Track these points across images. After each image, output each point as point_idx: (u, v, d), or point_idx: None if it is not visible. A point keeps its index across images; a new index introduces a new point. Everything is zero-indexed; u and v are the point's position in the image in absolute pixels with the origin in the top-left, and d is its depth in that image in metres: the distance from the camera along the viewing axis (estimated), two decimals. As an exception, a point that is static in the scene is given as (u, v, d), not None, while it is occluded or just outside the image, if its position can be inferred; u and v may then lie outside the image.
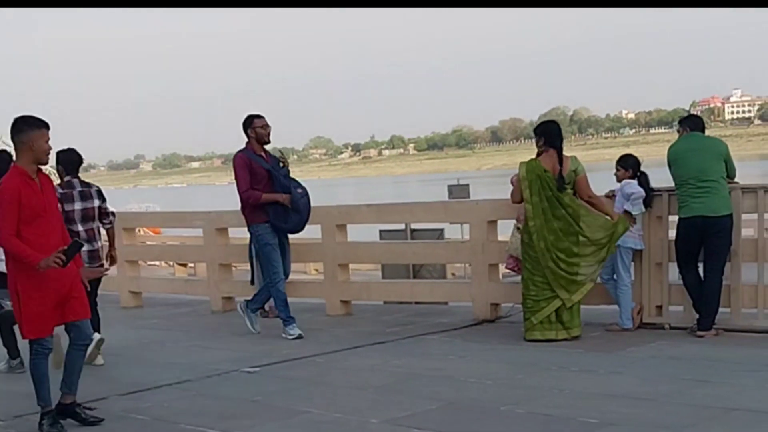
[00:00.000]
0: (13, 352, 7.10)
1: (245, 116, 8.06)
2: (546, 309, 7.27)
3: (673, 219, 7.54)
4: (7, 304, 6.98)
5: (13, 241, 4.95)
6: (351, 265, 9.90)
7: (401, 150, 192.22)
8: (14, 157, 7.33)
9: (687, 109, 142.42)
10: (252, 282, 9.64)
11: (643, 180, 7.56)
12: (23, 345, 7.22)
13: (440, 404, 5.47)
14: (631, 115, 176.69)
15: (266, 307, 9.54)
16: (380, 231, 13.79)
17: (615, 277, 7.60)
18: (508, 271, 8.58)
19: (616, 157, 7.88)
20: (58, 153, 7.40)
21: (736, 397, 5.34)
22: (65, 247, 5.06)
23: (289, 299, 9.61)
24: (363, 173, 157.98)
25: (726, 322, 7.30)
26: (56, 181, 7.37)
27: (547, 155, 7.31)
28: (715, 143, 7.42)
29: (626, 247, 7.49)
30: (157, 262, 21.23)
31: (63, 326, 5.33)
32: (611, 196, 7.71)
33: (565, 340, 7.23)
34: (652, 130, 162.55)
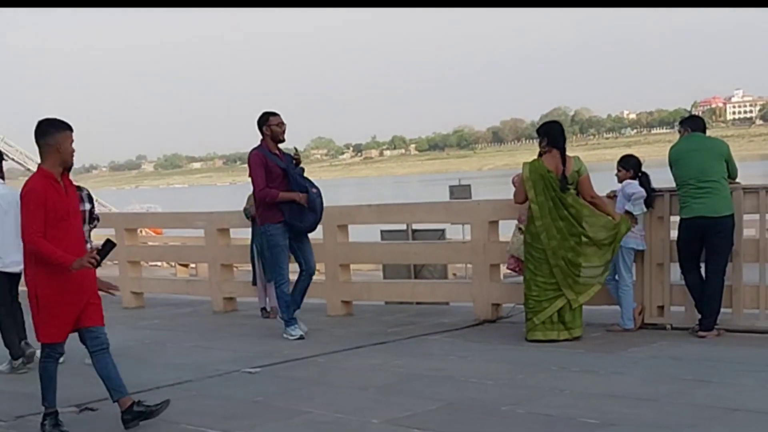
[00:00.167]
0: (15, 352, 7.11)
1: (260, 113, 7.96)
2: (548, 309, 7.27)
3: (675, 219, 7.53)
4: None
5: (42, 242, 4.90)
6: (352, 266, 9.91)
7: (402, 150, 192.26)
8: (3, 157, 7.44)
9: (688, 109, 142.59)
10: (254, 282, 9.66)
11: (644, 180, 7.56)
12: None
13: (441, 404, 5.47)
14: (633, 116, 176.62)
15: (268, 308, 9.55)
16: (381, 231, 13.81)
17: (616, 277, 7.60)
18: (509, 271, 8.59)
19: (618, 158, 7.88)
20: None
21: (737, 397, 5.33)
22: (99, 247, 5.02)
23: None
24: (364, 173, 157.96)
25: (728, 322, 7.30)
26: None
27: (550, 155, 7.31)
28: (716, 143, 7.41)
29: (628, 248, 7.49)
30: (159, 263, 21.27)
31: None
32: (612, 196, 7.71)
33: (566, 340, 7.23)
34: (654, 131, 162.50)
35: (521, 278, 7.83)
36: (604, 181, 8.91)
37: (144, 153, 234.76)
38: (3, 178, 7.32)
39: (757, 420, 4.88)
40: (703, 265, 7.28)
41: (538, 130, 7.61)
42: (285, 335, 7.96)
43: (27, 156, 45.82)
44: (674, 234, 7.51)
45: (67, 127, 5.10)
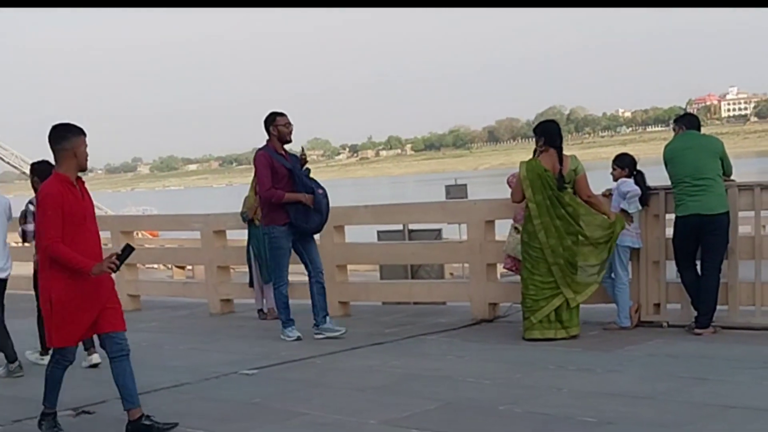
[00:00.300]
0: (11, 356, 7.10)
1: (267, 113, 7.89)
2: (545, 308, 7.27)
3: (670, 217, 7.55)
4: None
5: (61, 247, 4.86)
6: (349, 266, 9.90)
7: (398, 150, 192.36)
8: None
9: (683, 107, 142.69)
10: (250, 284, 9.65)
11: (639, 179, 7.58)
12: (19, 348, 7.26)
13: (439, 404, 5.47)
14: (628, 114, 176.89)
15: (264, 309, 9.55)
16: (378, 232, 13.81)
17: (613, 275, 7.61)
18: (506, 270, 8.59)
19: (613, 156, 7.89)
20: (33, 164, 7.58)
21: (734, 394, 5.34)
22: (119, 252, 5.00)
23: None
24: (360, 174, 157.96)
25: (724, 319, 7.31)
26: (32, 193, 7.50)
27: (547, 155, 7.32)
28: (710, 141, 7.43)
29: (624, 246, 7.50)
30: (156, 265, 21.23)
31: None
32: (608, 195, 7.73)
33: (563, 339, 7.24)
34: (649, 129, 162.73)
35: (518, 277, 7.83)
36: (599, 180, 8.93)
37: (140, 155, 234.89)
38: None
39: (754, 417, 4.89)
40: (698, 263, 7.29)
41: (535, 130, 7.62)
42: (282, 336, 7.96)
43: (22, 159, 45.70)
44: (670, 232, 7.53)
45: (81, 132, 5.10)
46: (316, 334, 7.87)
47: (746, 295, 7.36)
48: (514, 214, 8.01)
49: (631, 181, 7.54)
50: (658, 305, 7.67)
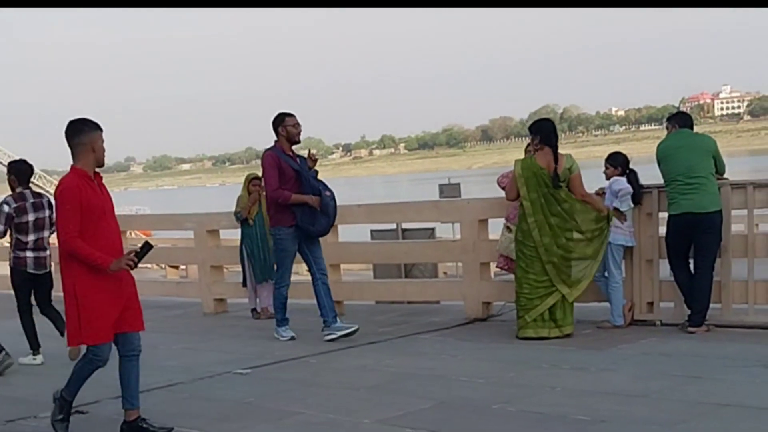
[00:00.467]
0: None
1: (276, 114, 7.79)
2: (539, 307, 7.28)
3: (663, 216, 7.56)
4: None
5: (78, 243, 4.80)
6: (343, 266, 9.90)
7: (392, 150, 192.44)
8: None
9: (676, 105, 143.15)
10: (244, 284, 9.64)
11: (632, 177, 7.59)
12: (7, 340, 7.26)
13: (432, 403, 5.47)
14: (621, 112, 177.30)
15: (258, 309, 9.54)
16: (371, 231, 13.81)
17: (606, 274, 7.62)
18: (499, 269, 8.60)
19: (606, 155, 7.90)
20: (10, 163, 7.68)
21: (727, 392, 5.35)
22: (137, 249, 4.94)
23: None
24: (354, 173, 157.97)
25: (717, 318, 7.33)
26: (6, 191, 7.59)
27: (542, 153, 7.32)
28: (703, 140, 7.44)
29: (617, 244, 7.51)
30: (149, 265, 21.18)
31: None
32: (601, 193, 7.74)
33: (557, 338, 7.25)
34: (642, 127, 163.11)
35: (512, 276, 7.84)
36: (593, 179, 8.93)
37: (132, 155, 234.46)
38: None
39: (748, 415, 4.90)
40: (692, 261, 7.31)
41: (530, 128, 7.61)
42: (276, 335, 7.95)
43: (10, 157, 45.58)
44: (663, 230, 7.54)
45: (98, 127, 5.05)
46: (328, 335, 7.72)
47: (739, 294, 7.37)
48: (506, 213, 8.02)
49: (623, 179, 7.55)
50: (651, 304, 7.69)
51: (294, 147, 7.85)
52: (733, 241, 7.40)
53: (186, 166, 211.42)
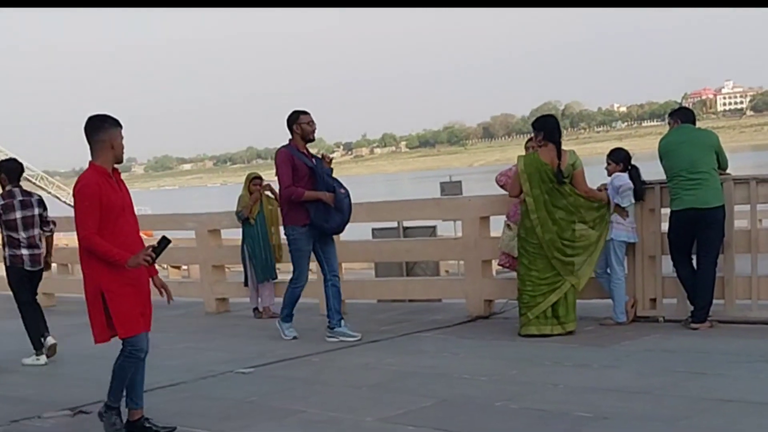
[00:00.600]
0: None
1: (291, 112, 7.72)
2: (542, 304, 7.27)
3: (666, 212, 7.54)
4: None
5: (96, 240, 4.79)
6: (344, 264, 9.88)
7: (393, 148, 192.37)
8: None
9: (679, 101, 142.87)
10: (246, 283, 9.63)
11: (634, 173, 7.57)
12: (9, 341, 7.26)
13: (434, 401, 5.46)
14: (623, 109, 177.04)
15: (260, 308, 9.53)
16: (373, 229, 13.78)
17: (608, 270, 7.60)
18: (501, 267, 8.58)
19: (608, 151, 7.89)
20: (0, 163, 7.73)
21: (730, 388, 5.34)
22: (154, 244, 4.92)
23: (282, 300, 9.60)
24: (355, 172, 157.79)
25: (720, 313, 7.31)
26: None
27: (546, 149, 7.30)
28: (706, 135, 7.42)
29: (619, 241, 7.50)
30: (151, 265, 21.16)
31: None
32: (603, 189, 7.72)
33: (559, 335, 7.23)
34: (645, 123, 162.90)
35: (514, 274, 7.83)
36: (596, 175, 8.90)
37: (134, 155, 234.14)
38: None
39: (751, 410, 4.88)
40: (694, 257, 7.29)
41: (533, 124, 7.58)
42: (279, 329, 7.88)
43: (8, 156, 45.65)
44: (666, 226, 7.52)
45: (118, 123, 5.02)
46: (329, 336, 7.71)
47: (742, 289, 7.36)
48: (507, 210, 8.01)
49: (624, 175, 7.53)
50: (654, 300, 7.67)
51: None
52: (736, 236, 7.38)
53: (187, 166, 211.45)
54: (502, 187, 8.07)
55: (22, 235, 7.42)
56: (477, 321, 8.31)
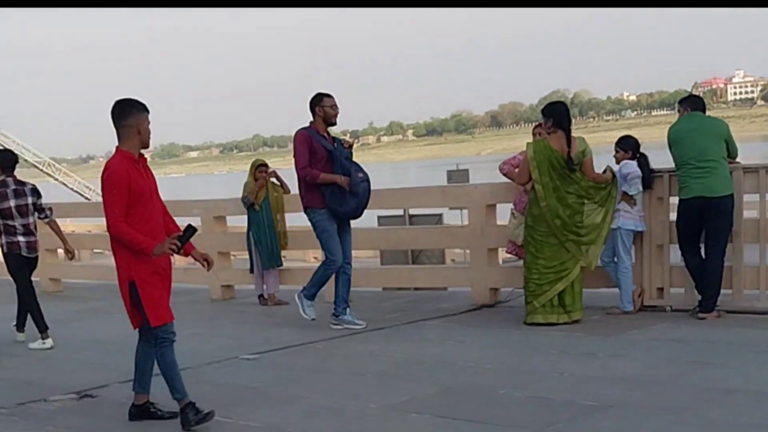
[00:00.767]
0: None
1: (314, 94, 7.62)
2: (549, 293, 7.23)
3: (675, 201, 7.49)
4: None
5: (123, 227, 4.75)
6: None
7: (400, 136, 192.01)
8: None
9: (689, 90, 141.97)
10: (251, 270, 9.63)
11: (642, 161, 7.51)
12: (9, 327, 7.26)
13: (439, 389, 5.44)
14: (633, 97, 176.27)
15: (265, 295, 9.52)
16: (378, 217, 13.75)
17: (615, 259, 7.56)
18: (508, 255, 8.54)
19: (617, 139, 7.83)
20: None
21: (737, 378, 5.31)
22: (180, 233, 4.89)
23: (288, 286, 9.59)
24: (361, 160, 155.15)
25: (728, 303, 7.27)
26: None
27: (555, 136, 7.24)
28: (715, 123, 7.35)
29: (627, 229, 7.45)
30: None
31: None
32: (606, 171, 7.65)
33: (565, 323, 7.20)
34: (654, 112, 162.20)
35: (520, 262, 7.79)
36: (603, 164, 8.85)
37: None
38: None
39: (757, 401, 4.85)
40: (703, 247, 7.24)
41: (543, 111, 7.51)
42: (299, 305, 7.69)
43: (24, 147, 45.93)
44: (674, 215, 7.47)
45: (145, 108, 4.94)
46: (334, 324, 7.66)
47: (750, 279, 7.31)
48: (514, 199, 7.96)
49: (633, 163, 7.47)
50: (661, 289, 7.63)
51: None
52: (745, 225, 7.33)
53: (194, 154, 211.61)
54: (505, 175, 8.03)
55: (17, 222, 7.58)
56: (482, 309, 8.28)
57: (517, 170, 7.72)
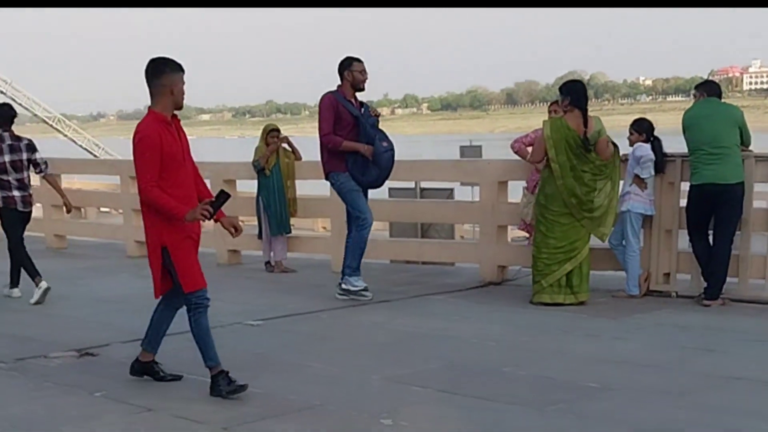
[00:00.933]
0: None
1: (343, 57, 7.42)
2: (557, 273, 7.21)
3: (686, 186, 7.45)
4: None
5: (156, 191, 4.60)
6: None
7: (414, 109, 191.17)
8: None
9: (705, 77, 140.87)
10: (259, 236, 9.63)
11: (656, 145, 7.46)
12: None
13: (442, 363, 5.46)
14: (648, 82, 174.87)
15: (272, 261, 9.54)
16: (389, 189, 13.72)
17: (624, 242, 7.54)
18: (519, 233, 8.51)
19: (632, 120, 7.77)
20: None
21: (738, 366, 5.31)
22: (212, 199, 4.77)
23: (295, 254, 9.60)
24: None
25: (733, 292, 7.26)
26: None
27: (572, 115, 7.18)
28: (730, 109, 7.30)
29: (636, 213, 7.42)
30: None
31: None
32: (624, 160, 7.62)
33: (571, 304, 7.20)
34: (669, 98, 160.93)
35: (529, 240, 7.77)
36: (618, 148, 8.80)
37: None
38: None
39: (758, 388, 4.87)
40: (711, 233, 7.21)
41: (560, 88, 7.44)
42: (345, 285, 7.53)
43: (34, 101, 45.98)
44: (684, 201, 7.43)
45: (180, 68, 4.76)
46: (340, 294, 7.56)
47: (757, 269, 7.29)
48: (527, 178, 7.93)
49: (646, 146, 7.42)
50: (668, 275, 7.62)
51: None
52: (755, 215, 7.29)
53: (206, 117, 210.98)
54: (516, 153, 7.99)
55: (11, 177, 7.63)
56: (489, 287, 8.28)
57: (530, 148, 7.68)
